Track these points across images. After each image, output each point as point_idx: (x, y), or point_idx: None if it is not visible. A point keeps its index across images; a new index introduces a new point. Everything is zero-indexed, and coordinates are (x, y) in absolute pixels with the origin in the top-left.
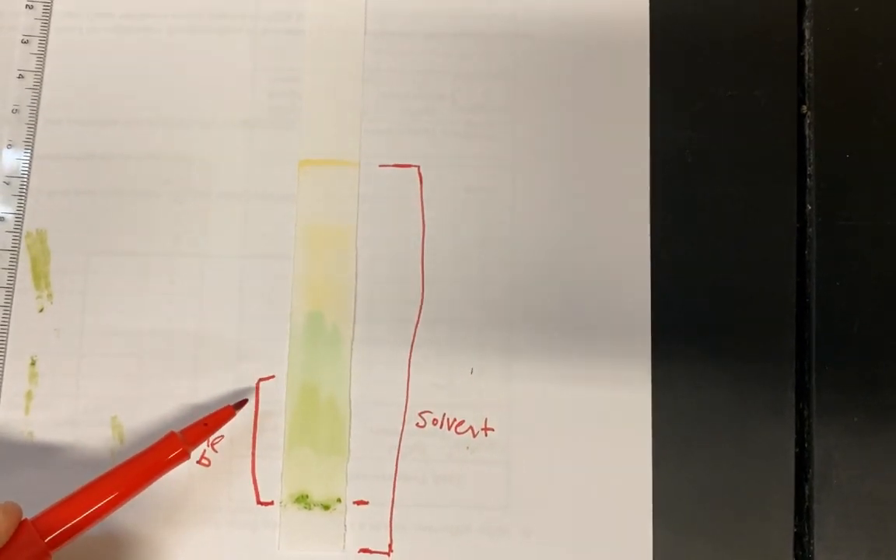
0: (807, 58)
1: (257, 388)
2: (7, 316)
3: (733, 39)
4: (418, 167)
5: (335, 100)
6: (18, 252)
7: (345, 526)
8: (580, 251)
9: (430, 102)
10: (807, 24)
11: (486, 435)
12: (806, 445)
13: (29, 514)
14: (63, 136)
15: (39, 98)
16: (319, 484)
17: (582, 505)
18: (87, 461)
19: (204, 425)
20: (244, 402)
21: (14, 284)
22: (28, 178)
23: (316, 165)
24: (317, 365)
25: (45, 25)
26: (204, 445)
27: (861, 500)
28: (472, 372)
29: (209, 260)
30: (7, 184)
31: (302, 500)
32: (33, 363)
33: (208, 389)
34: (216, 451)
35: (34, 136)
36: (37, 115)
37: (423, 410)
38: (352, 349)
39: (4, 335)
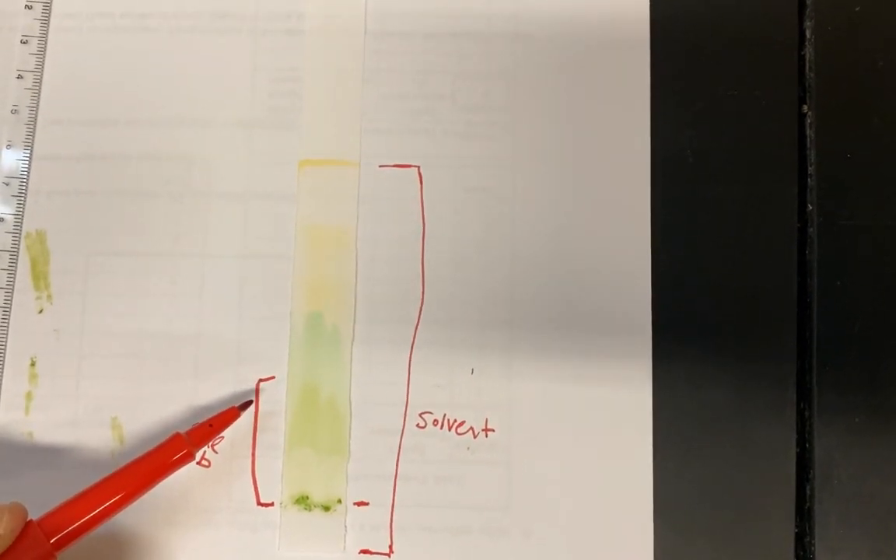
0: (808, 57)
1: (257, 388)
2: (7, 317)
3: (734, 39)
4: (418, 167)
5: (335, 100)
6: (18, 253)
7: (345, 527)
8: (580, 251)
9: (430, 102)
10: (808, 23)
11: (486, 435)
12: (807, 445)
13: (30, 516)
14: (62, 137)
15: (39, 98)
16: (320, 485)
17: (582, 505)
18: (87, 462)
19: (209, 426)
20: (249, 403)
21: (14, 285)
22: (27, 179)
23: (316, 165)
24: (317, 365)
25: (45, 26)
26: (204, 446)
27: (862, 500)
28: (472, 372)
29: (209, 260)
30: (6, 184)
31: (302, 501)
32: (33, 364)
33: (208, 390)
34: (216, 452)
35: (33, 137)
36: (36, 116)
37: (423, 411)
38: (352, 349)
39: (4, 336)
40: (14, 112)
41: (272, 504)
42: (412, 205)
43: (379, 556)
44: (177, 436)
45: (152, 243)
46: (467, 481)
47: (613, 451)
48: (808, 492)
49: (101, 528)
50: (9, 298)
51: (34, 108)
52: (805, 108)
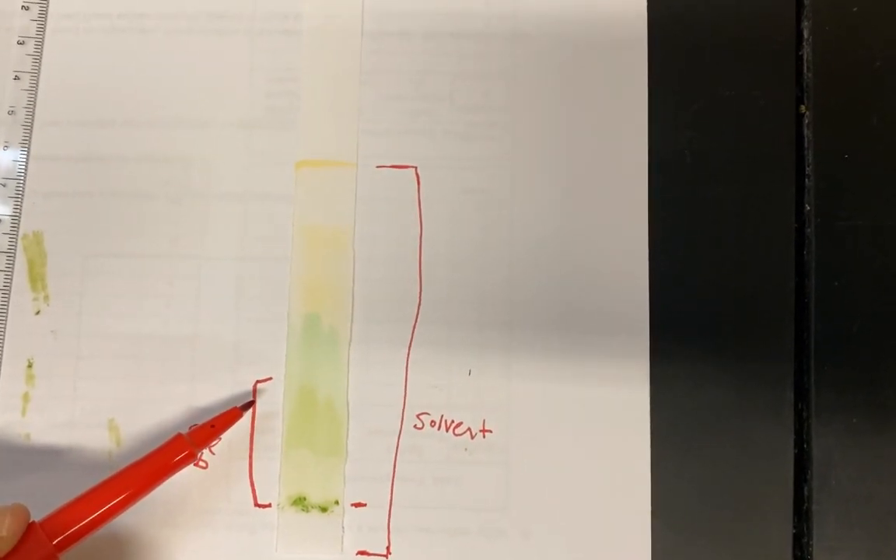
0: (805, 57)
1: (255, 389)
2: (4, 318)
3: (732, 39)
4: (416, 168)
5: (333, 100)
6: (15, 254)
7: (342, 528)
8: (578, 251)
9: (428, 103)
10: (805, 23)
11: (484, 436)
12: (805, 446)
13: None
14: (59, 138)
15: (36, 99)
16: (317, 486)
17: (580, 506)
18: (84, 463)
19: (211, 427)
20: (251, 403)
21: (11, 286)
22: (24, 180)
23: (313, 166)
24: (314, 366)
25: (42, 27)
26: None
27: (860, 500)
28: (470, 373)
29: (206, 261)
30: (3, 186)
31: (300, 502)
32: (30, 365)
33: (206, 391)
34: (214, 454)
35: (30, 138)
36: (33, 117)
37: (420, 412)
38: (349, 350)
39: (1, 337)
40: (11, 113)
41: (270, 505)
42: (410, 205)
43: (376, 557)
44: (178, 436)
45: (150, 244)
46: (465, 482)
47: (611, 451)
48: (805, 492)
49: (99, 530)
50: (6, 300)
51: (31, 109)
52: (803, 108)
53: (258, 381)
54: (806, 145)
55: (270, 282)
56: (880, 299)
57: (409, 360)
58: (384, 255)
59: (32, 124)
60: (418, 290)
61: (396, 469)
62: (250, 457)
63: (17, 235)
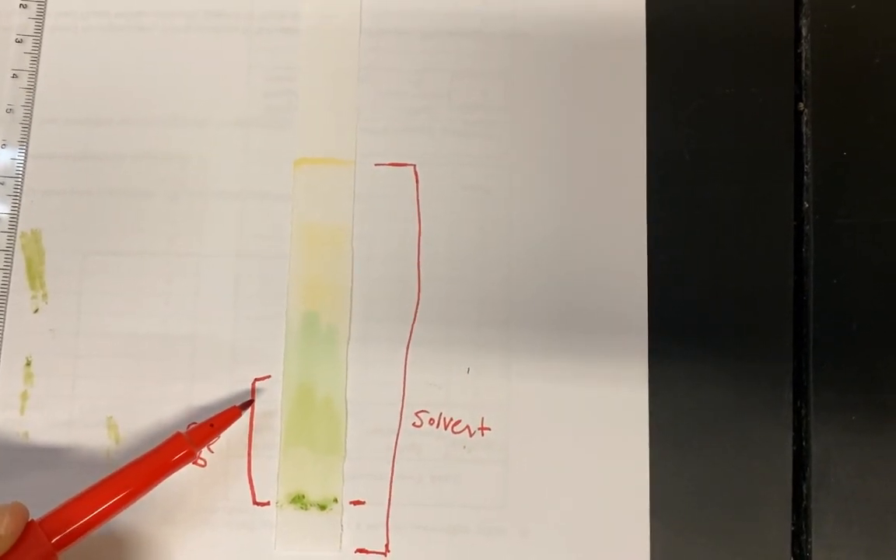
0: (804, 55)
1: (253, 387)
2: (2, 316)
3: (730, 37)
4: (414, 166)
5: (331, 98)
6: (13, 252)
7: (341, 526)
8: (577, 250)
9: (426, 101)
10: (804, 21)
11: (482, 434)
12: (804, 444)
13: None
14: (58, 136)
15: (34, 97)
16: (316, 484)
17: (579, 504)
18: (82, 462)
19: (210, 426)
20: (250, 402)
21: (9, 285)
22: (23, 178)
23: (312, 164)
24: (313, 364)
25: (40, 24)
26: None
27: (859, 498)
28: (468, 371)
29: (204, 259)
30: (2, 184)
31: (298, 500)
32: (28, 364)
33: (204, 389)
34: (212, 452)
35: (28, 136)
36: (31, 115)
37: (419, 410)
38: (348, 348)
39: (0, 336)
40: (9, 111)
41: (268, 503)
42: (408, 203)
43: (375, 555)
44: (177, 435)
45: (148, 243)
46: (463, 480)
47: (610, 450)
48: (804, 490)
49: (98, 528)
50: (4, 298)
51: (29, 108)
52: (801, 105)
53: (257, 380)
54: (804, 143)
55: (269, 280)
56: (879, 297)
57: (408, 358)
58: (383, 254)
59: (30, 122)
60: (417, 289)
61: (395, 467)
62: (249, 455)
63: (15, 234)
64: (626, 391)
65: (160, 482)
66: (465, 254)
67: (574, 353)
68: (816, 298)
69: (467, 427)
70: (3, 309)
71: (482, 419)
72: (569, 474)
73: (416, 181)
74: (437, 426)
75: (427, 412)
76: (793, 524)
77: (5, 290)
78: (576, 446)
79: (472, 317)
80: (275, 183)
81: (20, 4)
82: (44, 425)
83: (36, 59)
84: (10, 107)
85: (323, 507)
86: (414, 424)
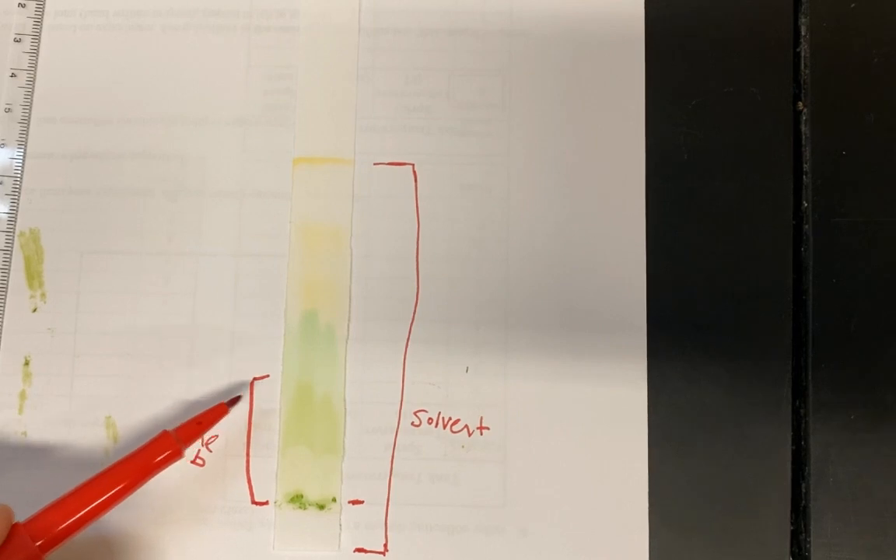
0: (803, 54)
1: (252, 386)
2: (0, 316)
3: (729, 36)
4: (413, 165)
5: (329, 97)
6: (12, 251)
7: (340, 525)
8: (576, 249)
9: (425, 100)
10: (803, 20)
11: (481, 434)
12: (803, 443)
13: (22, 515)
14: (56, 135)
15: (32, 97)
16: (314, 483)
17: (578, 503)
18: (81, 461)
19: (198, 424)
20: (238, 399)
21: (7, 284)
22: (21, 177)
23: (310, 163)
24: (312, 364)
25: (38, 24)
26: (198, 445)
27: (858, 497)
28: (467, 370)
29: (203, 258)
30: (0, 183)
31: (297, 499)
32: (27, 363)
33: (203, 389)
34: (211, 451)
35: (27, 135)
36: (30, 114)
37: (418, 409)
38: (347, 348)
39: None
40: (7, 110)
41: (267, 503)
42: (407, 202)
43: (374, 554)
44: (164, 433)
45: (146, 242)
46: (462, 479)
47: (608, 448)
48: (803, 489)
49: (95, 528)
50: (3, 297)
51: (28, 107)
52: (800, 105)
53: (255, 379)
54: (803, 142)
55: (267, 279)
56: (878, 296)
57: (407, 357)
58: (381, 253)
59: (29, 122)
60: (416, 288)
61: (394, 466)
62: (247, 454)
63: (13, 233)
64: (625, 391)
65: (147, 481)
66: (463, 253)
67: (573, 352)
68: (815, 297)
69: (466, 426)
70: (1, 308)
71: (481, 418)
72: (568, 473)
73: (415, 180)
74: (436, 425)
75: (426, 411)
76: (792, 523)
77: (4, 289)
78: (575, 445)
79: (471, 316)
80: (274, 182)
81: (19, 4)
82: (42, 424)
83: (34, 59)
84: (8, 106)
85: (321, 507)
86: (413, 424)
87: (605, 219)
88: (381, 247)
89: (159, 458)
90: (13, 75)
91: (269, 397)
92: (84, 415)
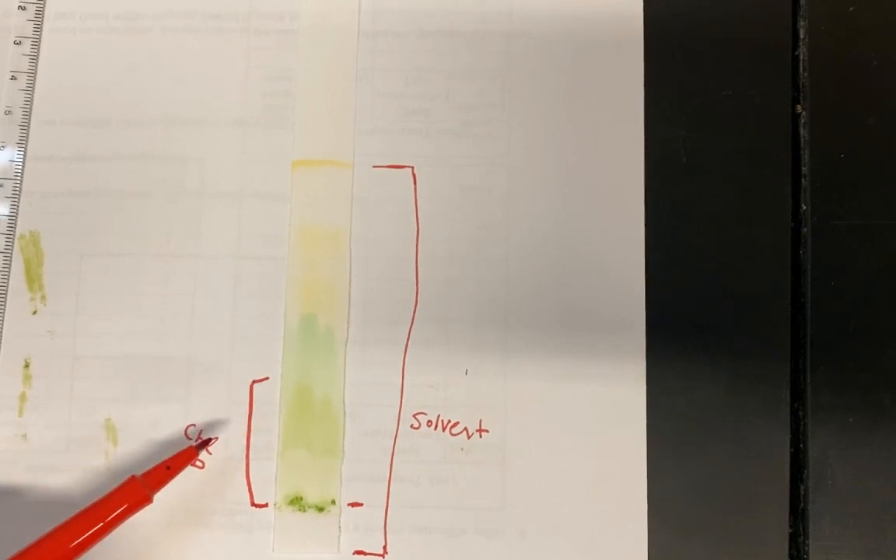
0: (801, 57)
1: (251, 389)
2: (0, 318)
3: (728, 39)
4: (412, 168)
5: (329, 100)
6: (12, 254)
7: (339, 528)
8: (575, 250)
9: (424, 102)
10: (801, 23)
11: (480, 436)
12: (801, 445)
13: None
14: (56, 138)
15: (32, 99)
16: (314, 486)
17: (577, 505)
18: (81, 463)
19: (166, 468)
20: (208, 441)
21: (7, 287)
22: (21, 180)
23: (309, 166)
24: (311, 366)
25: (38, 27)
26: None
27: (856, 500)
28: (466, 373)
29: (202, 260)
30: (0, 186)
31: (296, 501)
32: (27, 365)
33: (202, 391)
34: (210, 454)
35: (27, 138)
36: (30, 117)
37: (417, 412)
38: (346, 350)
39: None
40: (8, 113)
41: (266, 505)
42: (406, 205)
43: (373, 556)
44: (132, 479)
45: (146, 244)
46: (461, 482)
47: (608, 450)
48: (802, 492)
49: None
50: (3, 300)
51: (28, 109)
52: (799, 108)
53: (254, 381)
54: (802, 145)
55: (267, 281)
56: (876, 299)
57: (406, 359)
58: (381, 255)
59: (29, 124)
60: (415, 290)
61: (393, 469)
62: (247, 456)
63: (13, 236)
64: (623, 392)
65: (115, 529)
66: (463, 255)
67: (572, 353)
68: (814, 300)
69: (465, 429)
70: (1, 311)
71: (480, 421)
72: (567, 475)
73: (414, 183)
74: (436, 428)
75: (425, 414)
76: (790, 525)
77: (4, 292)
78: (574, 447)
79: (471, 318)
80: (273, 184)
81: (19, 6)
82: (42, 427)
83: (34, 61)
84: (8, 109)
85: (321, 509)
86: (412, 426)
87: (604, 220)
88: (381, 249)
89: (126, 507)
90: (13, 78)
91: (268, 400)
92: (84, 417)
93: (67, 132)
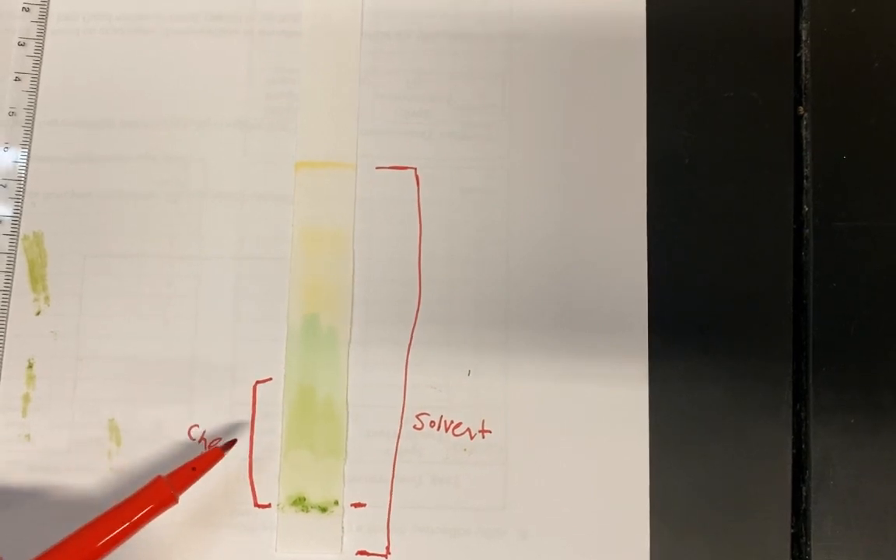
0: (804, 59)
1: (254, 390)
2: (4, 319)
3: (730, 40)
4: (415, 169)
5: (332, 101)
6: (15, 255)
7: (342, 528)
8: (577, 251)
9: (426, 104)
10: (804, 25)
11: (483, 437)
12: (803, 446)
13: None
14: (60, 139)
15: (36, 100)
16: (317, 486)
17: (579, 505)
18: (85, 464)
19: (192, 469)
20: (233, 442)
21: (11, 287)
22: (25, 181)
23: (312, 167)
24: (314, 367)
25: (42, 28)
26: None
27: (858, 501)
28: (469, 373)
29: (205, 261)
30: (4, 186)
31: (299, 502)
32: (31, 366)
33: (205, 391)
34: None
35: (31, 139)
36: (33, 118)
37: (420, 412)
38: (349, 351)
39: (1, 338)
40: (11, 114)
41: (269, 505)
42: (409, 206)
43: (376, 557)
44: (158, 479)
45: (149, 245)
46: (464, 482)
47: (610, 450)
48: (803, 492)
49: None
50: (6, 300)
51: (31, 110)
52: (801, 109)
53: (258, 382)
54: (804, 147)
55: (270, 282)
56: (878, 300)
57: (409, 360)
58: (383, 256)
59: (33, 125)
60: (418, 291)
61: (396, 469)
62: (250, 457)
63: (17, 236)
64: (626, 392)
65: (141, 528)
66: (465, 256)
67: (574, 354)
68: (816, 301)
69: (468, 430)
70: (5, 311)
71: (483, 422)
72: (569, 475)
73: (417, 184)
74: (438, 428)
75: (428, 415)
76: (792, 526)
77: (7, 292)
78: (576, 447)
79: (473, 318)
80: (276, 185)
81: (23, 8)
82: (46, 427)
83: (38, 63)
84: (12, 109)
85: (324, 510)
86: (415, 427)
87: (606, 221)
88: (383, 250)
89: (153, 507)
90: (17, 79)
91: (271, 400)
92: (87, 418)
93: (71, 133)
